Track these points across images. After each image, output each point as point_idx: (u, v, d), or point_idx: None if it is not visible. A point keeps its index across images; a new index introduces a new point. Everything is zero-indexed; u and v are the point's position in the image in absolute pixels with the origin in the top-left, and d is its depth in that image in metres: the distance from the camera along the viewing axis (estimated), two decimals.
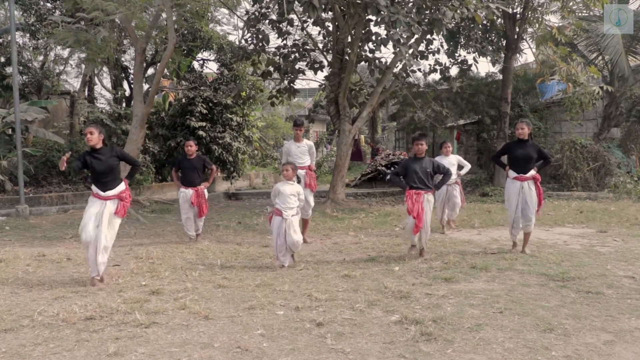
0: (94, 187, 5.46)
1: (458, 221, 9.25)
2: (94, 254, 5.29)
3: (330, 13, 12.38)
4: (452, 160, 8.68)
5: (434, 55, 14.25)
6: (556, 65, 13.20)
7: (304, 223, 8.40)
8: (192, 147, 8.15)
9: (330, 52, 13.48)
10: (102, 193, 5.40)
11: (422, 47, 13.55)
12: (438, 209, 8.48)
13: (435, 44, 14.09)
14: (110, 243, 5.47)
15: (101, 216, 5.35)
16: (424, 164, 6.41)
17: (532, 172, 6.65)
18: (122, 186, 5.53)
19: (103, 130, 5.63)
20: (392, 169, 17.14)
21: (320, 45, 13.98)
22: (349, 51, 12.63)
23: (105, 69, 18.90)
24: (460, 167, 9.00)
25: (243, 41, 13.49)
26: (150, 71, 17.93)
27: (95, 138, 5.42)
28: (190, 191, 7.94)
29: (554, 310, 4.32)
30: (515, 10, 14.12)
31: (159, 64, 13.25)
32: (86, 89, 18.11)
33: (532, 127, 16.48)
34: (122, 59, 17.55)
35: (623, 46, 13.89)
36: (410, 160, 6.58)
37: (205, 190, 8.12)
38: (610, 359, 3.40)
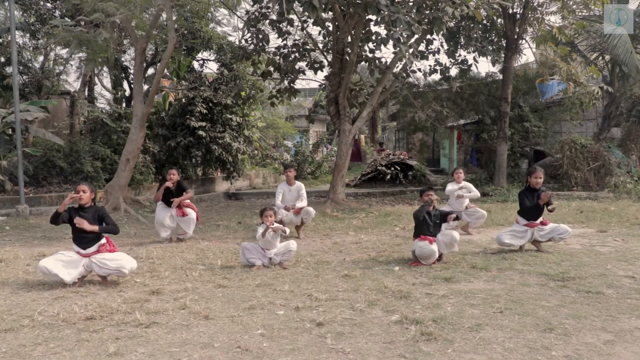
0: (74, 246, 5.39)
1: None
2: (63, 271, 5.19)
3: (330, 13, 12.37)
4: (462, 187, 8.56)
5: (434, 55, 14.26)
6: (556, 65, 13.20)
7: (302, 223, 8.45)
8: (174, 176, 7.75)
9: (330, 52, 13.47)
10: (82, 251, 5.35)
11: (422, 47, 13.55)
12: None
13: (436, 44, 14.13)
14: (128, 264, 5.32)
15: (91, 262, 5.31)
16: (433, 213, 6.25)
17: (541, 219, 6.76)
18: (102, 240, 5.44)
19: (95, 190, 5.59)
20: (393, 169, 17.15)
21: (320, 45, 13.98)
22: (349, 51, 12.62)
23: (105, 69, 18.91)
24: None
25: (243, 41, 13.50)
26: (150, 71, 17.95)
27: (86, 197, 5.38)
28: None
29: (554, 310, 4.32)
30: (515, 10, 14.13)
31: (159, 64, 13.25)
32: (86, 89, 18.10)
33: (533, 127, 16.48)
34: (122, 59, 17.56)
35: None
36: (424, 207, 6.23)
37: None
38: (610, 359, 3.39)
